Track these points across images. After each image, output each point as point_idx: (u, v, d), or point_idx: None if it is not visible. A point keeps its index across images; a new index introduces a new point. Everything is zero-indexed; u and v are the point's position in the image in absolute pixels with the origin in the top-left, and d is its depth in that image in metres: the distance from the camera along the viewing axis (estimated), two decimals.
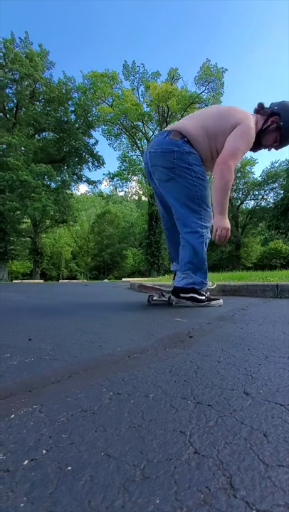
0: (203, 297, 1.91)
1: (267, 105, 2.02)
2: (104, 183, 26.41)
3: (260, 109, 2.00)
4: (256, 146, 2.01)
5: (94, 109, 22.67)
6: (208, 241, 1.93)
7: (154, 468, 0.31)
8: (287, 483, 0.28)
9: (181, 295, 1.92)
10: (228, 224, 1.89)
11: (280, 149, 2.08)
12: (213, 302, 1.94)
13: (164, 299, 2.10)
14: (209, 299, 1.95)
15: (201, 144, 1.88)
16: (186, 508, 0.25)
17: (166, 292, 2.09)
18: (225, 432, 0.38)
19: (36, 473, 0.31)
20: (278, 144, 2.00)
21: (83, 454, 0.34)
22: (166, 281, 4.95)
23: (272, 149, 2.07)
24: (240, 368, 0.64)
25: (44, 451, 0.35)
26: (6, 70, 18.18)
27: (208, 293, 2.04)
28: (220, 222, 1.88)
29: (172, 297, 1.96)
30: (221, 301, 1.99)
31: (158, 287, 2.17)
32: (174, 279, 2.12)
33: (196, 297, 1.89)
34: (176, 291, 1.94)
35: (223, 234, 1.88)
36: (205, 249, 1.90)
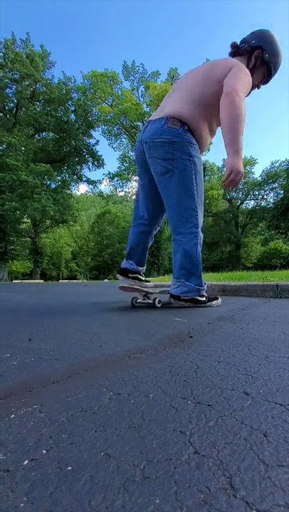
0: (204, 298, 1.88)
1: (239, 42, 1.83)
2: (104, 182, 26.44)
3: (236, 48, 1.81)
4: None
5: (94, 109, 22.68)
6: (201, 241, 1.83)
7: (154, 468, 0.31)
8: (287, 483, 0.28)
9: (182, 297, 1.85)
10: (242, 167, 1.61)
11: (266, 84, 1.92)
12: (213, 302, 1.92)
13: (148, 301, 1.98)
14: (209, 299, 1.92)
15: (200, 124, 1.74)
16: (186, 508, 0.25)
17: (150, 293, 1.99)
18: (225, 432, 0.38)
19: (36, 473, 0.31)
20: (266, 79, 1.87)
21: (83, 454, 0.34)
22: (166, 282, 4.95)
23: (261, 86, 1.92)
24: (240, 368, 0.64)
25: (44, 451, 0.35)
26: (6, 69, 18.18)
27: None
28: (235, 164, 1.58)
29: (172, 300, 1.90)
30: (220, 300, 1.97)
31: (140, 288, 1.96)
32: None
33: (196, 299, 1.85)
34: (174, 296, 1.88)
35: (236, 179, 1.62)
36: (199, 249, 1.79)
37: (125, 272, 1.99)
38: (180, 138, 1.67)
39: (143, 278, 2.07)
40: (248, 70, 1.68)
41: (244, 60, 1.78)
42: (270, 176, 30.24)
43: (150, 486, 0.28)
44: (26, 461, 0.33)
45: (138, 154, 1.91)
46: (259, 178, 32.02)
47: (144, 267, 2.10)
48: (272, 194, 31.22)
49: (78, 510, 0.26)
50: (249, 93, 1.80)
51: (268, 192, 31.64)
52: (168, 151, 1.69)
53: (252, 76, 1.73)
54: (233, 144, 1.58)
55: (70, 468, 0.32)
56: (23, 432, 0.39)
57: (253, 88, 1.84)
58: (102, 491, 0.28)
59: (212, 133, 1.89)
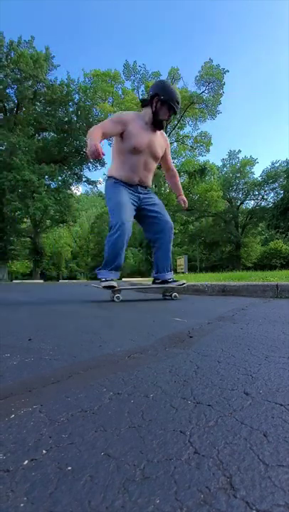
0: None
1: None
2: (99, 181, 26.51)
3: (143, 102, 2.53)
4: (161, 122, 2.49)
5: (94, 109, 22.69)
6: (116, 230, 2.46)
7: (154, 468, 0.31)
8: (287, 483, 0.28)
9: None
10: (91, 142, 2.18)
11: (170, 118, 2.61)
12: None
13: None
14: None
15: (114, 167, 2.58)
16: (186, 508, 0.25)
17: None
18: (225, 432, 0.38)
19: (36, 473, 0.31)
20: (173, 111, 2.44)
21: (83, 454, 0.34)
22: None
23: (171, 117, 2.62)
24: (240, 368, 0.64)
25: (44, 451, 0.35)
26: (8, 69, 18.18)
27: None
28: (88, 146, 2.22)
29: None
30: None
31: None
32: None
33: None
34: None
35: (90, 150, 2.17)
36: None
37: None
38: (105, 186, 2.66)
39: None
40: (107, 120, 2.46)
41: (149, 108, 2.44)
42: (270, 176, 30.25)
43: (150, 486, 0.28)
44: (26, 461, 0.33)
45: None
46: (259, 178, 32.03)
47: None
48: (272, 194, 31.24)
49: (78, 510, 0.26)
50: (164, 124, 2.58)
51: (268, 192, 31.66)
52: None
53: (159, 114, 2.43)
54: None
55: (70, 468, 0.32)
56: (23, 432, 0.39)
57: (167, 120, 2.53)
58: (102, 491, 0.28)
59: (134, 160, 2.56)
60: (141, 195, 2.63)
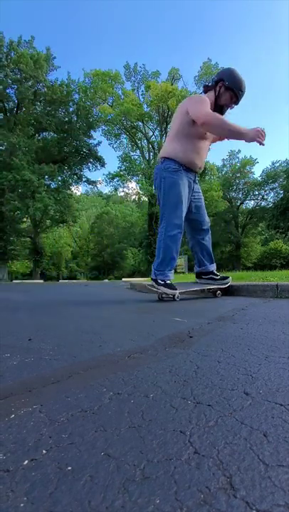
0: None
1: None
2: (99, 182, 26.56)
3: (206, 88, 2.49)
4: (220, 111, 2.42)
5: (94, 109, 22.69)
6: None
7: (154, 468, 0.31)
8: (287, 483, 0.28)
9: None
10: (250, 132, 2.16)
11: (238, 104, 2.48)
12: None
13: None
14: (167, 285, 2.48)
15: (176, 151, 2.37)
16: (186, 508, 0.25)
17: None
18: (225, 432, 0.38)
19: (36, 473, 0.31)
20: (235, 99, 2.41)
21: (83, 454, 0.34)
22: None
23: (234, 106, 2.47)
24: (240, 368, 0.64)
25: (44, 451, 0.35)
26: (8, 70, 18.19)
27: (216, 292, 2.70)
28: (248, 136, 2.15)
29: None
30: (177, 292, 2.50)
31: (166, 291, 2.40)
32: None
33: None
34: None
35: (259, 137, 2.14)
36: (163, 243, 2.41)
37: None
38: (159, 169, 2.44)
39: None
40: (197, 96, 2.39)
41: (213, 92, 2.41)
42: (270, 176, 30.25)
43: (150, 486, 0.28)
44: (26, 461, 0.33)
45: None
46: (259, 178, 32.02)
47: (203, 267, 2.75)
48: (272, 194, 31.25)
49: (78, 510, 0.26)
50: (224, 111, 2.48)
51: (268, 192, 31.66)
52: (156, 179, 2.52)
53: (221, 99, 2.39)
54: (236, 135, 2.23)
55: (70, 468, 0.32)
56: (23, 432, 0.39)
57: (228, 107, 2.47)
58: (102, 491, 0.28)
59: (201, 145, 2.46)
60: (195, 186, 2.58)
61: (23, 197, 18.83)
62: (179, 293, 2.39)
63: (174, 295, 2.35)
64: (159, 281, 2.35)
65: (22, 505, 0.26)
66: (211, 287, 2.67)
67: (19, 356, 0.77)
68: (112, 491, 0.28)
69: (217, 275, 2.70)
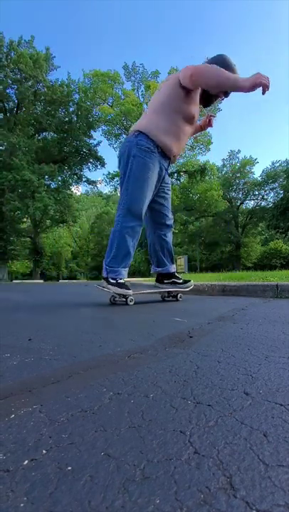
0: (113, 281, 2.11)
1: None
2: (99, 181, 26.63)
3: None
4: (208, 100, 2.19)
5: (94, 109, 22.70)
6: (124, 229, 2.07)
7: (154, 468, 0.31)
8: (287, 483, 0.28)
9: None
10: (248, 80, 1.77)
11: (228, 97, 2.18)
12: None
13: (123, 299, 2.12)
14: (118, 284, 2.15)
15: (152, 126, 2.00)
16: (186, 508, 0.25)
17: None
18: (225, 431, 0.38)
19: (36, 473, 0.31)
20: (225, 91, 2.10)
21: (83, 454, 0.34)
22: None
23: (224, 97, 2.18)
24: (240, 368, 0.64)
25: (44, 451, 0.35)
26: (8, 70, 18.20)
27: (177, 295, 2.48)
28: (248, 85, 1.77)
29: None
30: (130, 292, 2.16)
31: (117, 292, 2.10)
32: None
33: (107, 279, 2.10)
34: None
35: (266, 83, 1.76)
36: (117, 235, 2.08)
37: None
38: (130, 142, 2.02)
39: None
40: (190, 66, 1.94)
41: None
42: (270, 176, 30.26)
43: (150, 486, 0.28)
44: (26, 461, 0.33)
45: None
46: (259, 178, 32.04)
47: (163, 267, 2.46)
48: (272, 194, 31.27)
49: (78, 510, 0.26)
50: (212, 101, 2.23)
51: (268, 192, 31.68)
52: (122, 154, 2.09)
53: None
54: (234, 86, 1.84)
55: (70, 468, 0.32)
56: (23, 432, 0.39)
57: (215, 98, 2.20)
58: (102, 491, 0.28)
59: (185, 129, 2.12)
60: (165, 176, 2.24)
61: (23, 197, 18.85)
62: (133, 294, 2.10)
63: (126, 296, 2.05)
64: (110, 279, 2.02)
65: (22, 505, 0.26)
66: (172, 290, 2.43)
67: (19, 356, 0.77)
68: (112, 491, 0.28)
69: (179, 279, 2.45)
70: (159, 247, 2.39)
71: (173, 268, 2.44)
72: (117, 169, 24.11)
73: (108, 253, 2.07)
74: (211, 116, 2.47)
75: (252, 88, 1.76)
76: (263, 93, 1.78)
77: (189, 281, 2.50)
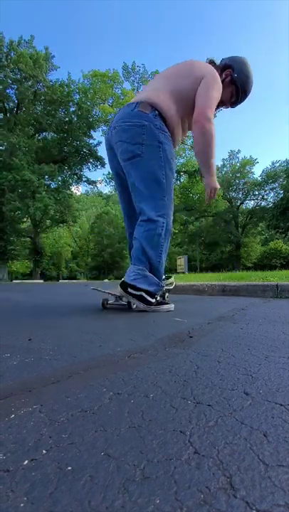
0: (153, 300, 1.69)
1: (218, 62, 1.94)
2: (99, 181, 26.69)
3: (211, 63, 1.89)
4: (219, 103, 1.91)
5: (94, 109, 22.72)
6: (167, 233, 1.70)
7: (154, 468, 0.31)
8: (287, 483, 0.28)
9: (130, 290, 1.66)
10: (217, 184, 1.84)
11: (236, 107, 2.01)
12: (163, 307, 1.71)
13: (122, 302, 1.84)
14: (159, 303, 1.72)
15: (172, 113, 1.71)
16: (186, 508, 0.25)
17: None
18: (225, 431, 0.38)
19: (36, 473, 0.31)
20: (235, 99, 1.94)
21: (83, 454, 0.34)
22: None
23: (229, 107, 2.00)
24: (240, 368, 0.64)
25: (44, 451, 0.35)
26: (8, 70, 18.21)
27: (164, 294, 1.95)
28: (212, 183, 1.82)
29: (119, 290, 1.70)
30: (172, 305, 1.76)
31: (110, 292, 1.91)
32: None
33: (145, 297, 1.65)
34: (125, 284, 1.67)
35: (214, 195, 1.87)
36: (162, 241, 1.67)
37: (126, 287, 1.72)
38: (149, 122, 1.62)
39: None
40: (218, 78, 1.74)
41: None
42: (270, 176, 30.27)
43: (150, 486, 0.28)
44: (26, 461, 0.33)
45: (106, 144, 1.88)
46: (259, 178, 32.04)
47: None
48: (272, 194, 31.27)
49: (78, 510, 0.26)
50: (216, 108, 1.88)
51: (268, 192, 31.68)
52: (136, 135, 1.63)
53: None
54: (208, 165, 1.77)
55: (70, 468, 0.32)
56: (23, 432, 0.39)
57: (220, 105, 1.92)
58: (102, 491, 0.28)
59: (184, 132, 1.89)
60: None
61: (23, 197, 18.87)
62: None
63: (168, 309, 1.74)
64: (155, 298, 1.72)
65: (22, 505, 0.26)
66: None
67: (19, 356, 0.77)
68: (112, 491, 0.28)
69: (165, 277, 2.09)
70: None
71: None
72: None
73: (156, 262, 1.68)
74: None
75: (208, 186, 1.82)
76: (206, 202, 1.96)
77: (170, 276, 2.21)
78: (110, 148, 1.84)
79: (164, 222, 1.66)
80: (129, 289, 1.66)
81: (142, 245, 1.65)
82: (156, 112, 1.66)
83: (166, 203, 1.68)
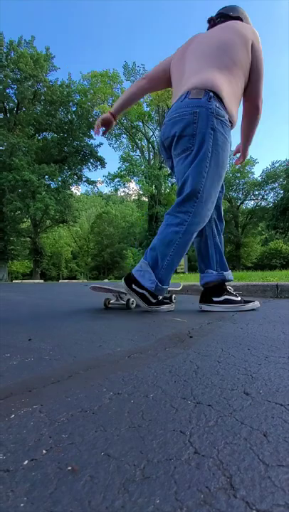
0: (154, 300, 1.62)
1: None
2: (99, 181, 26.78)
3: (213, 22, 1.73)
4: None
5: (94, 109, 22.73)
6: (187, 234, 1.51)
7: (154, 468, 0.31)
8: (287, 483, 0.28)
9: (134, 287, 1.57)
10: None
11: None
12: (163, 307, 1.66)
13: (122, 302, 1.86)
14: (159, 303, 1.65)
15: (227, 90, 1.51)
16: (186, 508, 0.25)
17: (123, 294, 1.84)
18: (225, 432, 0.38)
19: (36, 473, 0.31)
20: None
21: (83, 454, 0.34)
22: None
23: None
24: (240, 368, 0.64)
25: (44, 451, 0.35)
26: (8, 70, 18.23)
27: (171, 296, 1.89)
28: (246, 152, 2.00)
29: (122, 283, 1.62)
30: (172, 305, 1.72)
31: (112, 288, 1.89)
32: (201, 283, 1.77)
33: (147, 297, 1.58)
34: (130, 279, 1.58)
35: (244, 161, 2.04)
36: (177, 241, 1.51)
37: (130, 281, 1.62)
38: (203, 107, 1.44)
39: (236, 298, 1.69)
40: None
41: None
42: (270, 176, 30.25)
43: (150, 486, 0.28)
44: (26, 461, 0.33)
45: (160, 143, 1.76)
46: (259, 178, 32.03)
47: (228, 271, 1.77)
48: (272, 194, 31.25)
49: (78, 510, 0.26)
50: None
51: (268, 192, 31.67)
52: (188, 124, 1.47)
53: None
54: (251, 142, 1.92)
55: (70, 468, 0.32)
56: (23, 432, 0.39)
57: None
58: (102, 491, 0.28)
59: (237, 106, 1.68)
60: None
61: (23, 197, 18.89)
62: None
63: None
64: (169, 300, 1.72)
65: (22, 505, 0.26)
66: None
67: (19, 356, 0.77)
68: (112, 491, 0.28)
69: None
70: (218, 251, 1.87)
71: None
72: (117, 170, 24.26)
73: (164, 259, 1.53)
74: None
75: (247, 154, 2.02)
76: (240, 163, 2.11)
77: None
78: (163, 148, 1.73)
79: (186, 221, 1.50)
80: (134, 285, 1.57)
81: (157, 238, 1.56)
82: (211, 94, 1.46)
83: (197, 201, 1.49)
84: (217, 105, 1.46)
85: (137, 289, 1.58)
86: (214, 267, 1.73)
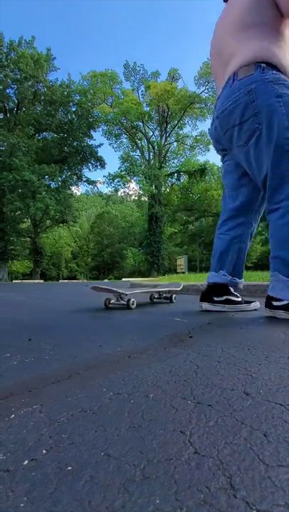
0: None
1: None
2: (99, 181, 26.85)
3: None
4: None
5: (94, 109, 22.76)
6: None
7: (154, 468, 0.31)
8: (287, 483, 0.28)
9: (275, 304, 1.34)
10: None
11: None
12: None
13: (122, 302, 1.89)
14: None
15: (277, 52, 1.33)
16: (186, 508, 0.25)
17: (124, 295, 1.90)
18: (225, 431, 0.38)
19: (36, 473, 0.31)
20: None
21: (83, 454, 0.34)
22: (164, 281, 4.94)
23: None
24: (240, 368, 0.64)
25: (44, 451, 0.35)
26: (8, 69, 18.24)
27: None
28: None
29: (266, 309, 1.40)
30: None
31: (113, 288, 1.93)
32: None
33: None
34: (271, 299, 1.36)
35: None
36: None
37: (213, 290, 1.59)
38: (257, 82, 1.29)
39: (237, 298, 1.64)
40: None
41: None
42: None
43: (150, 486, 0.28)
44: (26, 461, 0.33)
45: (212, 138, 1.64)
46: None
47: (242, 279, 1.68)
48: None
49: (78, 510, 0.26)
50: None
51: None
52: (247, 106, 1.32)
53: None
54: None
55: (70, 468, 0.32)
56: (23, 432, 0.39)
57: None
58: (102, 491, 0.28)
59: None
60: None
61: (23, 197, 18.91)
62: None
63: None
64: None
65: (22, 505, 0.26)
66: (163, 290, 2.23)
67: (19, 356, 0.77)
68: (112, 491, 0.28)
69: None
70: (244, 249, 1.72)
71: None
72: (117, 170, 24.30)
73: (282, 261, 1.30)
74: None
75: None
76: None
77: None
78: (218, 143, 1.58)
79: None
80: (274, 303, 1.36)
81: (273, 243, 1.35)
82: (262, 65, 1.31)
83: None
84: (274, 72, 1.30)
85: (278, 304, 1.33)
86: (230, 271, 1.62)
